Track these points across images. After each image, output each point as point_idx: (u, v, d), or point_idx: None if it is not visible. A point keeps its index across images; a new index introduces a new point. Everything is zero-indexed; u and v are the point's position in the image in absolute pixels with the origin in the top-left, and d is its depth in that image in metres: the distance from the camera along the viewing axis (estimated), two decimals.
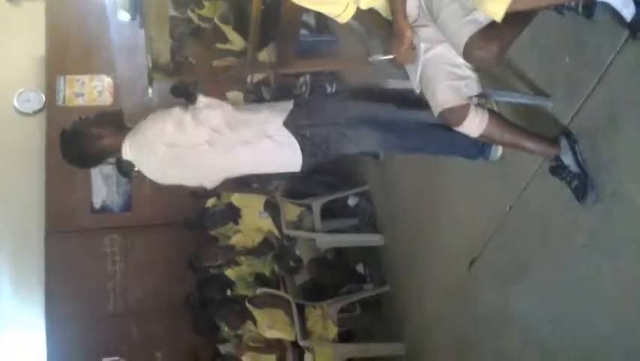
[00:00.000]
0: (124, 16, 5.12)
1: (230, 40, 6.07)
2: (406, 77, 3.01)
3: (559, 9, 2.73)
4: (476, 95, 2.84)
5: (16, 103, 7.92)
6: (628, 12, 2.42)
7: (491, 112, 2.86)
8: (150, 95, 4.61)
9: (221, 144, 3.15)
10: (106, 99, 7.94)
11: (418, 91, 2.93)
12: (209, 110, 3.17)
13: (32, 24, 7.89)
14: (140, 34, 5.78)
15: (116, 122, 3.27)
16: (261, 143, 3.20)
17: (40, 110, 7.93)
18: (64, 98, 7.92)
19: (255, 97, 6.28)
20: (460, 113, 2.79)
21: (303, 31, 5.99)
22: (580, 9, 2.62)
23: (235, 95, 6.28)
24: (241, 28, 5.72)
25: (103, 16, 7.80)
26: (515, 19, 2.50)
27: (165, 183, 3.26)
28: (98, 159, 3.30)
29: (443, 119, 2.84)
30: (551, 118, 3.05)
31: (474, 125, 2.81)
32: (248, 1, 4.84)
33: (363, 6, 2.94)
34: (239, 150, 3.18)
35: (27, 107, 7.95)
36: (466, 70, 2.81)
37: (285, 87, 6.23)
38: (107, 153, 3.25)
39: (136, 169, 3.81)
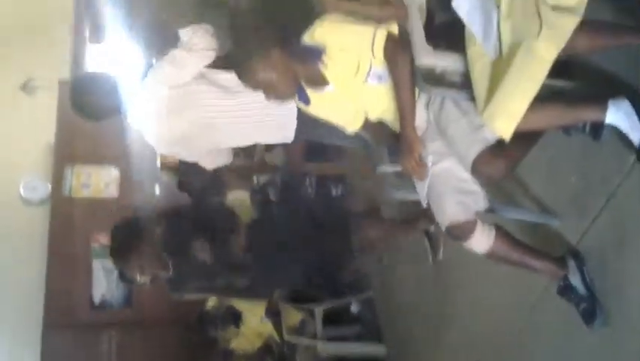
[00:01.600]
0: None
1: None
2: (414, 189, 3.00)
3: (566, 129, 2.75)
4: (483, 211, 2.83)
5: (22, 191, 7.92)
6: (636, 135, 2.43)
7: (498, 229, 2.83)
8: (157, 193, 4.66)
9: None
10: (112, 192, 7.92)
11: (425, 204, 2.92)
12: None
13: (44, 113, 7.93)
14: None
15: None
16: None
17: (45, 200, 7.91)
18: (70, 188, 7.91)
19: (261, 197, 6.27)
20: (467, 228, 2.76)
21: None
22: (587, 130, 2.62)
23: (241, 194, 6.28)
24: None
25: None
26: (523, 138, 2.51)
27: (166, 149, 3.64)
28: (101, 116, 3.44)
29: (450, 234, 2.82)
30: (559, 236, 3.03)
31: (481, 241, 2.78)
32: None
33: (372, 117, 2.96)
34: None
35: (32, 195, 7.92)
36: (473, 185, 2.80)
37: (291, 188, 6.24)
38: (111, 112, 3.43)
39: (139, 280, 3.82)
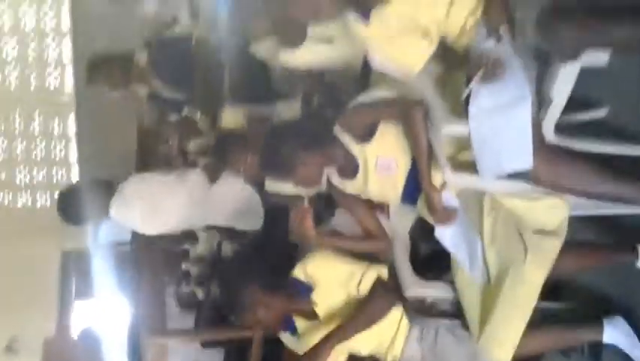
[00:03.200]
0: None
1: None
2: None
3: (565, 352, 2.70)
4: None
5: None
6: (637, 354, 2.40)
7: None
8: None
9: None
10: None
11: None
12: None
13: None
14: None
15: (107, 192, 3.61)
16: None
17: None
18: None
19: None
20: None
21: None
22: (586, 352, 2.59)
23: None
24: None
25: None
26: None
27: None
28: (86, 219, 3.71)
29: None
30: None
31: None
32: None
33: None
34: None
35: None
36: None
37: None
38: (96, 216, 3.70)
39: None
